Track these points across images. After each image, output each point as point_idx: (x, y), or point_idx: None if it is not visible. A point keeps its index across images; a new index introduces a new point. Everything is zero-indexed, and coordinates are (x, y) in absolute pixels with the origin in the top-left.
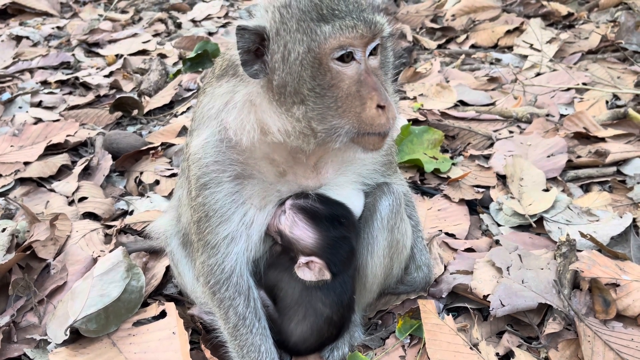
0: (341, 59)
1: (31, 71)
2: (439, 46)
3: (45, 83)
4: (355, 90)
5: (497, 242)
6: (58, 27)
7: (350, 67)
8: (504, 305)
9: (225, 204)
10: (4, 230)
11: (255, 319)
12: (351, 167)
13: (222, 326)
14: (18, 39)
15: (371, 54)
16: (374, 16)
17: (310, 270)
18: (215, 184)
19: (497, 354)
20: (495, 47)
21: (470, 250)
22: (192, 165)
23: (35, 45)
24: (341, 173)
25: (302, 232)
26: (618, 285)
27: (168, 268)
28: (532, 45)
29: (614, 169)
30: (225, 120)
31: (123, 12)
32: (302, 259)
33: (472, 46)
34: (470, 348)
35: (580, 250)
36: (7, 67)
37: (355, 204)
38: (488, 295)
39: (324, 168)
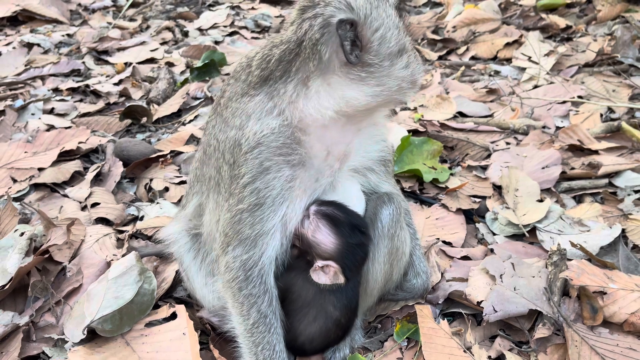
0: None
1: (42, 78)
2: (440, 57)
3: (56, 90)
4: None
5: (491, 251)
6: (68, 35)
7: None
8: (496, 311)
9: (282, 190)
10: (22, 234)
11: (274, 318)
12: (364, 156)
13: (239, 323)
14: (29, 46)
15: None
16: None
17: (326, 274)
18: (277, 170)
19: (489, 357)
20: (494, 59)
21: (466, 258)
22: (255, 150)
23: (46, 52)
24: (356, 160)
25: (324, 237)
26: (605, 293)
27: (178, 272)
28: (530, 57)
29: (606, 181)
30: (295, 111)
31: (131, 20)
32: (319, 263)
33: (472, 58)
34: (464, 351)
35: (571, 259)
36: (19, 74)
37: (359, 207)
38: (482, 301)
39: (348, 154)
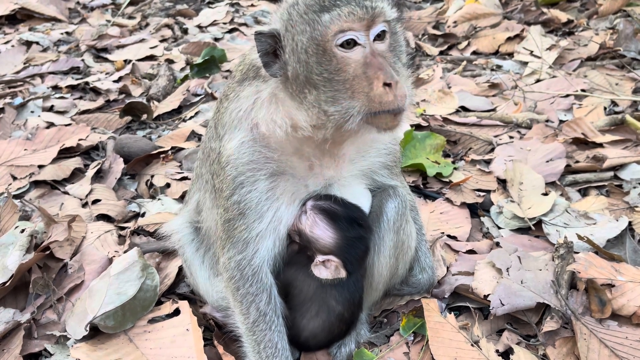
0: (344, 44)
1: (42, 76)
2: (441, 52)
3: (56, 88)
4: (362, 72)
5: (497, 244)
6: (67, 33)
7: (355, 51)
8: (503, 305)
9: (261, 201)
10: (23, 231)
11: (275, 316)
12: (364, 163)
13: (241, 321)
14: (28, 44)
15: (378, 38)
16: (372, 2)
17: (327, 269)
18: (252, 183)
19: (497, 351)
20: (496, 53)
21: (471, 252)
22: (227, 166)
23: (45, 50)
24: (355, 167)
25: (322, 232)
26: (613, 286)
27: (180, 268)
28: (532, 52)
29: (611, 173)
30: (255, 119)
31: (130, 17)
32: (320, 258)
33: (474, 53)
34: (472, 345)
35: (577, 252)
36: (18, 72)
37: (364, 203)
38: (488, 295)
39: (341, 158)
